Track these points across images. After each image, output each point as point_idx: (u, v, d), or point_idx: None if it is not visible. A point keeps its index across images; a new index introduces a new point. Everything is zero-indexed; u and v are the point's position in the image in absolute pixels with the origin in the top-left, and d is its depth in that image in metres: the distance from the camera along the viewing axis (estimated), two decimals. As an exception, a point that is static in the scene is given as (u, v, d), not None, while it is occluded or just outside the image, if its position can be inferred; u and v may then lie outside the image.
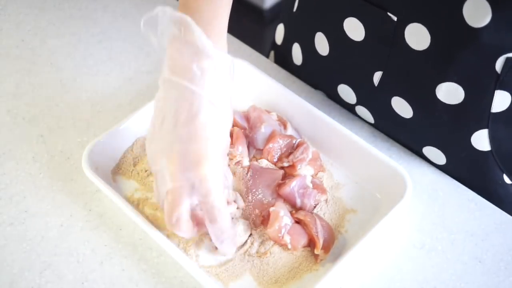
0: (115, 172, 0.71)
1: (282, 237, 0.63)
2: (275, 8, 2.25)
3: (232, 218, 0.65)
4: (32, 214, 0.68)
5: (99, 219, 0.68)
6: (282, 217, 0.63)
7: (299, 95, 0.75)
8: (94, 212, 0.68)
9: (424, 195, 0.71)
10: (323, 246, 0.62)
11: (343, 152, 0.71)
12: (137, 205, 0.68)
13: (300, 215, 0.65)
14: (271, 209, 0.64)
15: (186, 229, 0.57)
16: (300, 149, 0.70)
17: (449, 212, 0.69)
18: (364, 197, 0.70)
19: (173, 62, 0.55)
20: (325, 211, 0.68)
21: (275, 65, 0.86)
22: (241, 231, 0.64)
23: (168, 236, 0.65)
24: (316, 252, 0.63)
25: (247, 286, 0.62)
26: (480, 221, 0.68)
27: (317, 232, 0.63)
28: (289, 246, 0.63)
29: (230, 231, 0.58)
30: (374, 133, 0.77)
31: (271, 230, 0.63)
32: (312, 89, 0.82)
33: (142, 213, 0.67)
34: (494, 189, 0.71)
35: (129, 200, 0.68)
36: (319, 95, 0.82)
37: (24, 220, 0.67)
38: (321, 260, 0.63)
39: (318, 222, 0.64)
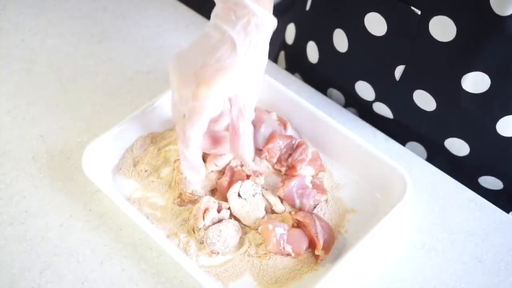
0: (115, 172, 0.71)
1: (284, 248, 0.63)
2: (276, 8, 2.24)
3: (223, 219, 0.65)
4: (32, 214, 0.68)
5: (99, 219, 0.68)
6: (274, 229, 0.63)
7: (299, 95, 0.75)
8: (94, 212, 0.68)
9: (424, 195, 0.71)
10: (323, 246, 0.62)
11: (343, 152, 0.71)
12: (137, 205, 0.68)
13: (299, 216, 0.65)
14: (259, 229, 0.64)
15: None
16: (299, 150, 0.70)
17: (449, 212, 0.69)
18: (364, 197, 0.70)
19: (218, 11, 0.61)
20: (325, 211, 0.68)
21: (275, 65, 0.86)
22: (233, 232, 0.64)
23: (168, 236, 0.65)
24: (316, 253, 0.62)
25: (247, 286, 0.62)
26: (480, 221, 0.68)
27: (316, 233, 0.63)
28: (293, 255, 0.63)
29: (193, 161, 0.62)
30: (375, 133, 0.77)
31: (270, 247, 0.63)
32: (313, 89, 0.82)
33: (142, 213, 0.67)
34: None
35: (129, 200, 0.68)
36: (319, 95, 0.82)
37: (24, 220, 0.67)
38: (322, 260, 0.63)
39: (317, 223, 0.64)
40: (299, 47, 0.84)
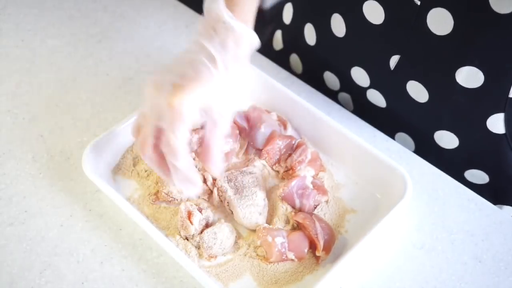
0: (115, 172, 0.71)
1: (286, 256, 0.63)
2: (275, 8, 2.24)
3: (210, 220, 0.65)
4: (32, 214, 0.68)
5: (99, 219, 0.68)
6: (274, 240, 0.62)
7: (299, 95, 0.75)
8: (94, 212, 0.68)
9: (424, 195, 0.71)
10: (324, 247, 0.62)
11: (343, 152, 0.71)
12: (137, 205, 0.68)
13: (299, 218, 0.65)
14: (259, 242, 0.63)
15: (150, 155, 0.59)
16: (299, 151, 0.70)
17: (449, 212, 0.69)
18: (364, 197, 0.70)
19: (200, 28, 0.62)
20: (325, 211, 0.68)
21: (275, 65, 0.86)
22: (228, 233, 0.63)
23: (168, 236, 0.65)
24: (317, 254, 0.62)
25: (247, 286, 0.62)
26: (480, 221, 0.68)
27: (316, 234, 0.62)
28: (296, 260, 0.63)
29: (184, 170, 0.58)
30: (374, 133, 0.77)
31: (273, 258, 0.62)
32: (313, 89, 0.82)
33: (142, 213, 0.67)
34: (505, 171, 0.72)
35: (129, 200, 0.68)
36: (319, 95, 0.82)
37: (24, 220, 0.67)
38: (322, 260, 0.63)
39: (317, 224, 0.63)
40: (296, 28, 0.83)
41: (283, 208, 0.67)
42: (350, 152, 0.71)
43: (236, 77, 0.61)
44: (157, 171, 0.61)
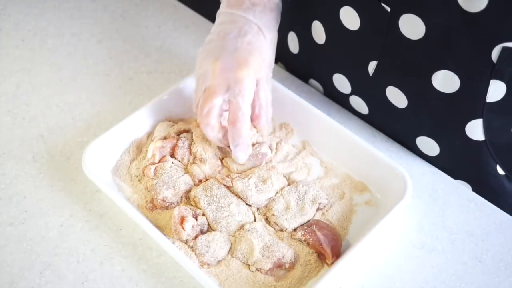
0: (115, 172, 0.71)
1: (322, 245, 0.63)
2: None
3: (206, 228, 0.64)
4: (32, 214, 0.68)
5: (99, 219, 0.68)
6: (284, 255, 0.62)
7: (299, 95, 0.75)
8: (94, 212, 0.68)
9: (424, 195, 0.71)
10: (333, 253, 0.62)
11: (343, 152, 0.71)
12: (137, 205, 0.68)
13: (298, 237, 0.64)
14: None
15: (213, 124, 0.66)
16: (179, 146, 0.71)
17: (449, 212, 0.69)
18: (364, 197, 0.70)
19: (230, 0, 0.68)
20: (332, 215, 0.67)
21: (275, 65, 0.86)
22: (222, 243, 0.63)
23: (167, 235, 0.64)
24: (328, 262, 0.62)
25: (247, 286, 0.62)
26: (480, 221, 0.68)
27: (321, 245, 0.62)
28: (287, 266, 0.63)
29: (246, 137, 0.66)
30: (374, 133, 0.77)
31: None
32: (312, 89, 0.82)
33: (141, 213, 0.67)
34: (486, 180, 0.71)
35: (129, 200, 0.68)
36: (318, 95, 0.82)
37: (24, 220, 0.67)
38: (333, 263, 0.62)
39: (319, 234, 0.63)
40: (281, 37, 0.84)
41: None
42: (350, 152, 0.70)
43: (274, 38, 0.70)
44: (215, 140, 0.68)
